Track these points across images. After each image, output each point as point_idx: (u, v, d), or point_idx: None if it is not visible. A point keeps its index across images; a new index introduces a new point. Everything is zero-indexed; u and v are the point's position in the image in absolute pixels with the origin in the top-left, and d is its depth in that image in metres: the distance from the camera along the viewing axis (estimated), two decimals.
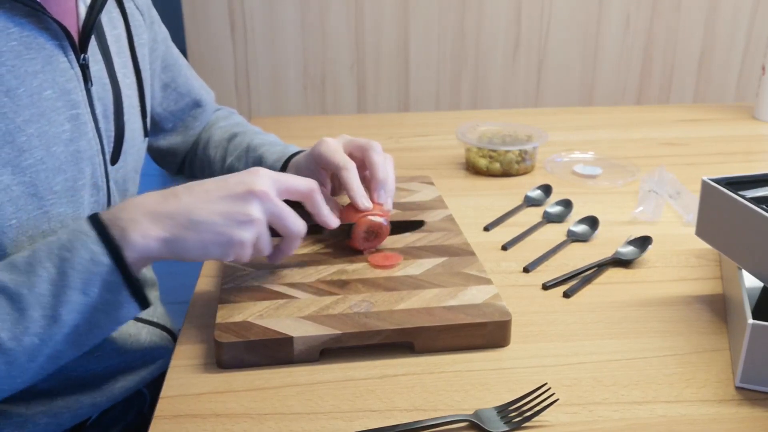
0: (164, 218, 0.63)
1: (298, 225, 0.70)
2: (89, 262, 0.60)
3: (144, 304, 0.64)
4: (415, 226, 0.88)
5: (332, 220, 0.77)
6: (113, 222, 0.62)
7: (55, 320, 0.60)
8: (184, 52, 2.00)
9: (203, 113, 1.05)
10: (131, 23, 0.84)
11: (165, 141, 1.03)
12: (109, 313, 0.63)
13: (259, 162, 0.96)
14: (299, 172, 0.89)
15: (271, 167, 0.94)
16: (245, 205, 0.65)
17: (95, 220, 0.63)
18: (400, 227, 0.87)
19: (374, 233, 0.82)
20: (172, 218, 0.63)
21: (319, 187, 0.74)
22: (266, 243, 0.69)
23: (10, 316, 0.59)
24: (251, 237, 0.66)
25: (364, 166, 0.85)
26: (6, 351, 0.59)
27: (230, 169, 0.99)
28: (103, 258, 0.61)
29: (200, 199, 0.65)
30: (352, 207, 0.82)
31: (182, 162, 1.07)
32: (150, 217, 0.63)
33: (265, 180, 0.67)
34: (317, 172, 0.87)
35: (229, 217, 0.64)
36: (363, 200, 0.81)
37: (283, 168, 0.92)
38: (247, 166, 0.97)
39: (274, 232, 0.70)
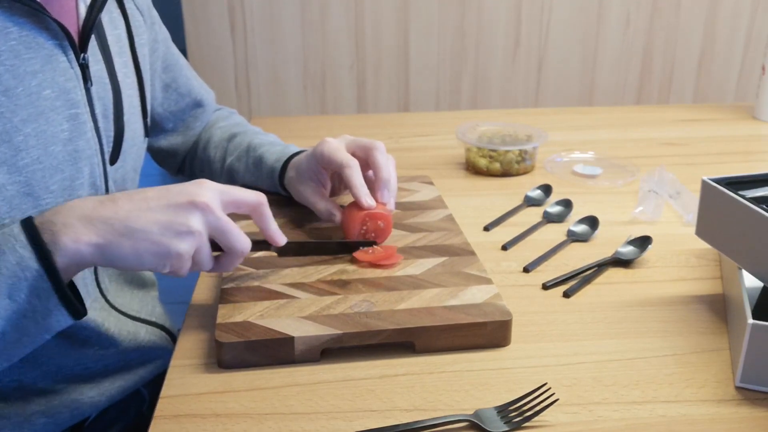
0: (99, 223, 0.60)
1: (242, 241, 0.67)
2: (16, 267, 0.58)
3: (75, 312, 0.61)
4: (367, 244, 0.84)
5: (280, 237, 0.73)
6: (45, 226, 0.60)
7: None
8: (184, 52, 2.00)
9: (204, 113, 1.05)
10: (132, 23, 0.84)
11: (165, 141, 1.03)
12: (38, 321, 0.60)
13: (260, 162, 0.95)
14: (300, 171, 0.89)
15: (271, 167, 0.94)
16: (186, 216, 0.62)
17: (27, 223, 0.60)
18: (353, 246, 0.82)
19: (373, 228, 0.82)
20: (108, 224, 0.60)
21: (266, 201, 0.71)
22: (206, 257, 0.66)
23: None
24: (189, 249, 0.63)
25: (366, 166, 0.85)
26: None
27: (230, 169, 1.00)
28: (31, 263, 0.58)
29: (139, 207, 0.62)
30: (354, 207, 0.82)
31: (182, 162, 1.07)
32: (84, 222, 0.60)
33: (208, 192, 0.64)
34: (318, 172, 0.87)
35: (168, 227, 0.61)
36: (366, 198, 0.81)
37: (284, 167, 0.92)
38: (247, 167, 0.97)
39: (216, 246, 0.68)
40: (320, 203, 0.87)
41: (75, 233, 0.59)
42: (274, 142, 0.99)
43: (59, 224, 0.60)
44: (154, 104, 0.97)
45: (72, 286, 0.63)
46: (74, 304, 0.61)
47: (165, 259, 0.62)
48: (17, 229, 0.59)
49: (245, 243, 0.67)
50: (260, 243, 0.74)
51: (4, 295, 0.58)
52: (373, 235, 0.82)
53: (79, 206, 0.61)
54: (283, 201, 0.95)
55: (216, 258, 0.69)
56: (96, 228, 0.60)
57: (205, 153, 1.03)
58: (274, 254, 0.78)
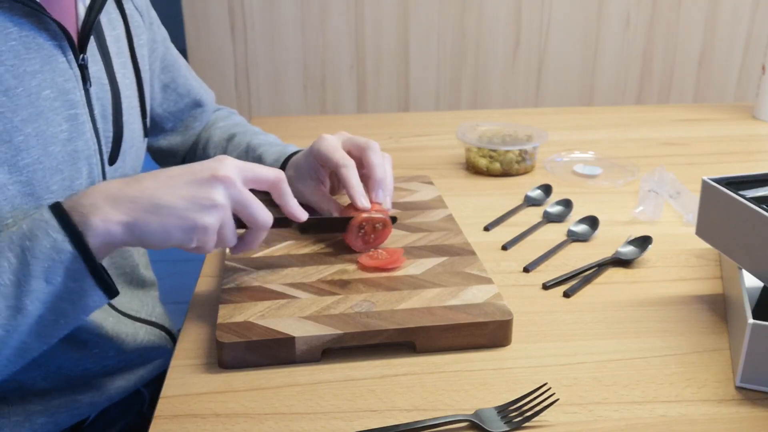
0: (126, 202, 0.62)
1: (264, 215, 0.69)
2: (51, 250, 0.59)
3: (110, 292, 0.63)
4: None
5: (300, 213, 0.75)
6: (74, 208, 0.61)
7: (19, 310, 0.59)
8: (184, 52, 2.01)
9: (203, 113, 1.05)
10: (130, 24, 0.84)
11: (165, 141, 1.03)
12: (74, 301, 0.61)
13: (258, 162, 0.95)
14: (298, 170, 0.89)
15: (270, 167, 0.94)
16: (209, 190, 0.64)
17: (56, 207, 0.61)
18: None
19: (371, 230, 0.82)
20: (134, 202, 0.62)
21: (286, 178, 0.72)
22: (231, 231, 0.67)
23: None
24: (215, 222, 0.64)
25: (362, 164, 0.85)
26: None
27: None
28: (65, 245, 0.59)
29: (164, 184, 0.64)
30: (351, 208, 0.82)
31: (182, 162, 1.07)
32: (111, 202, 0.62)
33: (230, 167, 0.66)
34: (317, 170, 0.87)
35: (193, 201, 0.63)
36: (362, 198, 0.81)
37: (282, 167, 0.92)
38: None
39: (239, 224, 0.69)
40: (321, 202, 0.87)
41: (104, 213, 0.61)
42: (273, 143, 0.99)
43: (88, 206, 0.61)
44: (153, 104, 0.97)
45: (103, 268, 0.64)
46: (109, 283, 0.62)
47: (192, 233, 0.64)
48: (47, 214, 0.61)
49: (267, 216, 0.69)
50: (281, 220, 0.75)
51: (41, 278, 0.59)
52: (372, 237, 0.82)
53: (106, 187, 0.63)
54: None
55: (240, 236, 0.70)
56: (123, 207, 0.62)
57: (205, 153, 1.03)
58: (296, 231, 0.79)
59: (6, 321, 0.58)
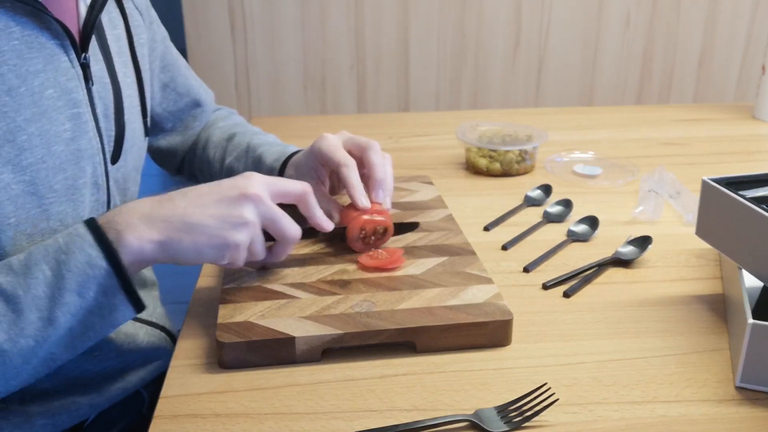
0: (159, 222, 0.64)
1: (293, 229, 0.71)
2: (85, 265, 0.61)
3: (138, 307, 0.64)
4: (410, 228, 0.88)
5: (326, 223, 0.77)
6: (109, 225, 0.63)
7: (50, 322, 0.60)
8: (184, 52, 2.01)
9: (203, 113, 1.05)
10: (131, 23, 0.84)
11: (164, 141, 1.03)
12: (104, 316, 0.63)
13: (258, 162, 0.95)
14: (299, 169, 0.89)
15: (270, 167, 0.94)
16: (239, 208, 0.66)
17: (91, 224, 0.63)
18: (397, 229, 0.86)
19: (372, 233, 0.82)
20: (167, 221, 0.64)
21: (312, 191, 0.74)
22: (260, 246, 0.70)
23: (6, 318, 0.59)
24: (245, 239, 0.66)
25: (362, 164, 0.85)
26: (1, 352, 0.59)
27: (229, 169, 0.99)
28: (100, 261, 0.61)
29: (194, 203, 0.66)
30: (352, 208, 0.82)
31: (181, 162, 1.07)
32: (145, 221, 0.64)
33: (258, 184, 0.68)
34: (317, 169, 0.87)
35: (224, 220, 0.65)
36: (362, 198, 0.81)
37: (283, 167, 0.92)
38: (246, 167, 0.97)
39: (267, 236, 0.71)
40: (320, 202, 0.87)
41: (138, 232, 0.63)
42: (274, 142, 0.99)
43: (122, 224, 0.63)
44: (153, 104, 0.97)
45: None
46: (139, 299, 0.64)
47: (223, 251, 0.66)
48: (83, 230, 0.62)
49: (296, 230, 0.71)
50: (307, 230, 0.76)
51: (74, 292, 0.60)
52: (373, 239, 0.82)
53: (139, 207, 0.65)
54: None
55: (268, 248, 0.73)
56: (157, 226, 0.64)
57: (205, 153, 1.03)
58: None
59: (38, 332, 0.60)
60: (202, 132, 1.06)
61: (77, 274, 0.61)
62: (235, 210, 0.66)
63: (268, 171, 0.94)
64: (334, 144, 0.84)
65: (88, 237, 0.62)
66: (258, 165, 0.96)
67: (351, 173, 0.82)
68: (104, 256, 0.61)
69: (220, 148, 1.01)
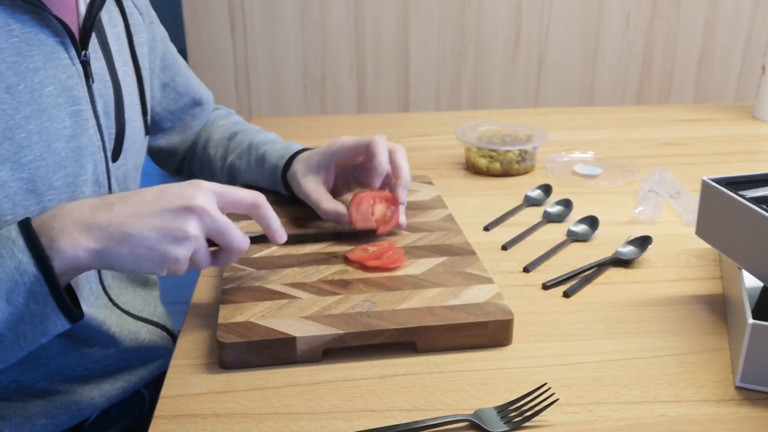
0: (96, 229, 0.60)
1: (240, 239, 0.67)
2: (14, 271, 0.58)
3: (72, 317, 0.61)
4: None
5: (279, 236, 0.73)
6: (43, 229, 0.60)
7: None
8: (184, 52, 2.01)
9: (202, 112, 1.05)
10: (130, 22, 0.84)
11: (164, 140, 1.03)
12: (35, 324, 0.60)
13: (262, 160, 0.96)
14: (309, 164, 0.90)
15: (274, 165, 0.94)
16: (182, 221, 0.62)
17: (24, 226, 0.60)
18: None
19: (381, 212, 0.85)
20: (104, 229, 0.60)
21: (265, 202, 0.70)
22: (203, 257, 0.66)
23: None
24: (186, 254, 0.63)
25: (365, 161, 0.87)
26: None
27: (231, 168, 1.00)
28: (29, 267, 0.58)
29: (135, 212, 0.62)
30: (355, 201, 0.86)
31: (181, 162, 1.07)
32: (81, 227, 0.60)
33: (204, 194, 0.64)
34: (327, 169, 0.89)
35: (165, 233, 0.61)
36: (397, 189, 0.85)
37: (288, 163, 0.93)
38: (248, 164, 0.97)
39: (212, 241, 0.67)
40: (327, 202, 0.87)
41: (73, 239, 0.60)
42: (276, 140, 0.99)
43: (57, 229, 0.60)
44: (153, 103, 0.97)
45: (70, 289, 0.63)
46: (71, 308, 0.61)
47: (163, 264, 0.62)
48: (15, 232, 0.60)
49: (243, 242, 0.68)
50: (260, 237, 0.75)
51: (2, 298, 0.58)
52: (372, 213, 0.84)
53: (77, 211, 0.61)
54: (283, 200, 0.95)
55: (213, 253, 0.69)
56: (93, 234, 0.60)
57: (205, 152, 1.03)
58: (275, 247, 0.81)
59: None
60: (202, 131, 1.06)
61: (5, 280, 0.58)
62: (178, 222, 0.62)
63: (272, 168, 0.94)
64: (356, 138, 0.87)
65: (19, 241, 0.59)
66: (261, 162, 0.96)
67: (380, 146, 0.84)
68: (34, 262, 0.58)
69: (221, 146, 1.01)
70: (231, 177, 1.00)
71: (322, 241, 0.85)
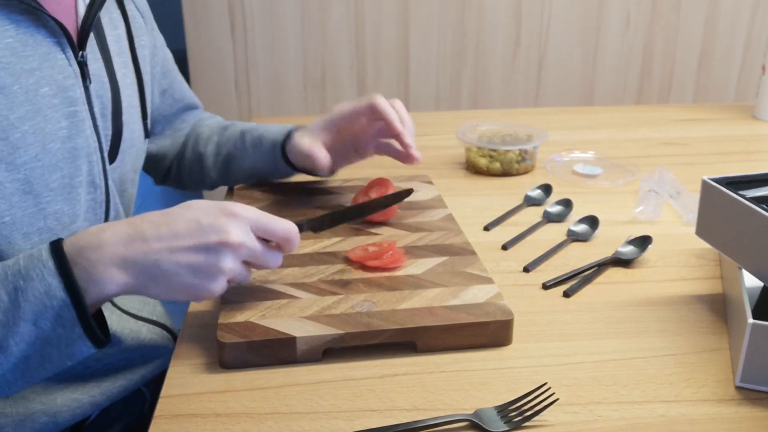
0: (131, 264, 0.60)
1: (275, 261, 0.67)
2: (44, 295, 0.58)
3: (98, 342, 0.61)
4: (405, 195, 0.85)
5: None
6: (77, 260, 0.60)
7: (2, 349, 0.58)
8: (184, 52, 2.01)
9: (191, 116, 1.06)
10: (132, 25, 0.84)
11: (154, 145, 1.02)
12: (61, 348, 0.60)
13: (260, 141, 0.98)
14: (312, 129, 0.93)
15: (274, 140, 0.97)
16: (218, 258, 0.61)
17: (56, 250, 0.60)
18: (389, 199, 0.86)
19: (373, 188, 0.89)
20: (139, 264, 0.60)
21: (297, 234, 0.68)
22: (242, 278, 0.66)
23: None
24: (222, 287, 0.63)
25: (370, 124, 0.92)
26: None
27: (226, 159, 1.01)
28: (59, 292, 0.58)
29: (170, 246, 0.61)
30: (365, 192, 0.92)
31: (168, 169, 1.07)
32: (117, 262, 0.60)
33: (240, 227, 0.63)
34: (331, 132, 0.93)
35: (200, 270, 0.61)
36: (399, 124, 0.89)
37: (287, 138, 0.95)
38: (244, 149, 0.99)
39: None
40: (320, 151, 0.91)
41: (109, 274, 0.60)
42: (269, 125, 1.01)
43: (93, 261, 0.60)
44: (152, 107, 0.97)
45: (98, 313, 0.63)
46: (98, 335, 0.61)
47: (198, 296, 0.63)
48: (46, 254, 0.60)
49: (278, 261, 0.67)
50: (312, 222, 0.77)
51: (29, 321, 0.58)
52: (373, 194, 0.89)
53: (112, 244, 0.61)
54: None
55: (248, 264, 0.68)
56: (128, 270, 0.60)
57: (195, 150, 1.03)
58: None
59: None
60: (191, 131, 1.06)
61: (34, 303, 0.58)
62: (213, 259, 0.61)
63: (272, 144, 0.97)
64: (353, 102, 0.91)
65: (49, 264, 0.59)
66: (259, 143, 0.98)
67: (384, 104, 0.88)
68: (64, 287, 0.58)
69: (213, 142, 1.02)
70: (226, 168, 1.01)
71: (323, 240, 0.85)
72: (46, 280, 0.58)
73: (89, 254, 0.60)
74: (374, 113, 0.89)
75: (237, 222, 0.63)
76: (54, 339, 0.60)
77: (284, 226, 0.67)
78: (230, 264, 0.62)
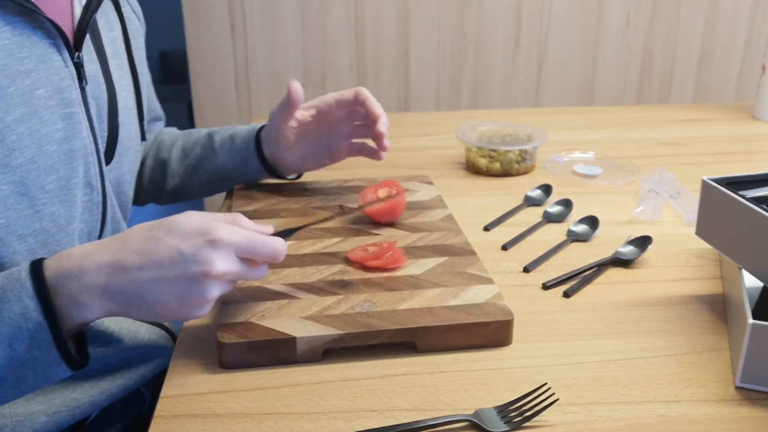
0: (114, 294, 0.60)
1: (261, 274, 0.66)
2: (20, 317, 0.57)
3: (73, 365, 0.60)
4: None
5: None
6: (58, 288, 0.59)
7: None
8: (184, 52, 2.01)
9: (156, 126, 1.07)
10: (128, 27, 0.84)
11: None
12: (37, 370, 0.60)
13: (230, 139, 0.99)
14: (273, 121, 0.95)
15: (247, 136, 0.99)
16: (202, 289, 0.60)
17: (35, 272, 0.59)
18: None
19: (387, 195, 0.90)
20: (123, 294, 0.60)
21: (285, 251, 0.66)
22: (228, 290, 0.64)
23: None
24: (207, 311, 0.63)
25: (348, 118, 0.95)
26: None
27: (194, 162, 1.01)
28: (35, 314, 0.57)
29: (152, 277, 0.59)
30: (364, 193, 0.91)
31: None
32: (100, 293, 0.59)
33: (224, 259, 0.61)
34: (308, 110, 0.95)
35: (184, 300, 0.61)
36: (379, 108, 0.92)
37: (261, 129, 0.98)
38: (212, 150, 1.00)
39: None
40: (285, 116, 0.94)
41: (92, 304, 0.59)
42: (235, 125, 1.03)
43: (75, 291, 0.59)
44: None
45: (78, 335, 0.63)
46: (74, 358, 0.60)
47: (184, 319, 0.63)
48: (24, 274, 0.59)
49: (264, 274, 0.67)
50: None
51: (4, 342, 0.58)
52: (377, 196, 0.89)
53: (93, 273, 0.59)
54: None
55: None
56: (113, 299, 0.60)
57: (158, 157, 1.03)
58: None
59: None
60: (153, 142, 1.06)
61: (9, 325, 0.57)
62: (197, 289, 0.60)
63: (244, 139, 0.98)
64: (339, 92, 0.94)
65: (27, 284, 0.58)
66: (230, 141, 0.99)
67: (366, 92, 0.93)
68: (41, 309, 0.57)
69: (177, 147, 1.02)
70: (192, 172, 1.01)
71: (323, 240, 0.85)
72: (23, 302, 0.58)
73: (70, 283, 0.59)
74: (357, 99, 0.92)
75: (220, 251, 0.60)
76: (29, 361, 0.59)
77: (270, 249, 0.64)
78: (215, 292, 0.62)
